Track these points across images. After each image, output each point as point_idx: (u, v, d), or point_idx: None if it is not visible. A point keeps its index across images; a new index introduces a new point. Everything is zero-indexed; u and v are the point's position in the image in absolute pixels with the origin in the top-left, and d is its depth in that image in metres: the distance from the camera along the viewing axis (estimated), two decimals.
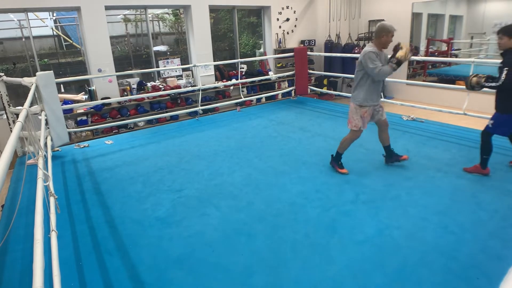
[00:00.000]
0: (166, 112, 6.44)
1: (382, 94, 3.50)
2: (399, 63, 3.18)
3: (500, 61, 3.17)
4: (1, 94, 4.21)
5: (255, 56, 8.88)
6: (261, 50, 8.64)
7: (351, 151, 4.17)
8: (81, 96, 6.08)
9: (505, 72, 3.00)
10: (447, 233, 2.47)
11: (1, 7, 5.24)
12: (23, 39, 6.60)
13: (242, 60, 7.19)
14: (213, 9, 7.76)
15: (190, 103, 7.04)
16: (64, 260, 2.30)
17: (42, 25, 7.63)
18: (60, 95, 5.02)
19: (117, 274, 2.23)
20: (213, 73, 7.46)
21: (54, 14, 7.81)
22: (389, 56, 3.32)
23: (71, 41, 8.17)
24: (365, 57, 3.20)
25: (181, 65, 7.22)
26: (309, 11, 8.73)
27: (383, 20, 8.54)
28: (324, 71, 8.66)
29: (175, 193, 3.31)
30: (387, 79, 6.17)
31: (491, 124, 3.20)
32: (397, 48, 3.26)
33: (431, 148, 4.00)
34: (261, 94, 7.58)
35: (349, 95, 6.96)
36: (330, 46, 8.60)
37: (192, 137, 5.12)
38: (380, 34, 3.26)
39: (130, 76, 6.87)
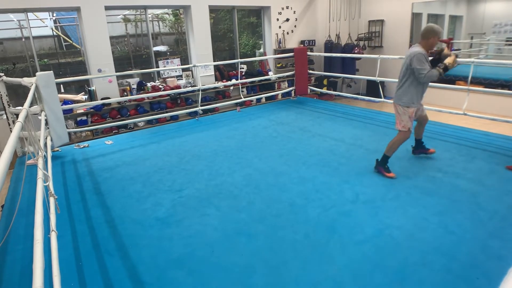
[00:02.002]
0: (166, 112, 6.44)
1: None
2: (446, 69, 3.16)
3: None
4: (1, 94, 4.21)
5: (255, 56, 8.87)
6: (261, 50, 8.64)
7: (352, 151, 4.17)
8: (81, 96, 6.08)
9: None
10: (447, 233, 2.47)
11: (1, 7, 5.25)
12: (23, 39, 6.59)
13: (242, 60, 7.19)
14: (213, 9, 7.76)
15: (190, 103, 7.04)
16: (64, 260, 2.30)
17: (42, 25, 7.62)
18: (60, 95, 5.02)
19: (117, 274, 2.22)
20: (213, 73, 7.46)
21: (54, 14, 7.81)
22: (430, 58, 3.29)
23: (71, 41, 8.17)
24: (414, 58, 3.15)
25: (181, 65, 7.22)
26: (309, 11, 8.73)
27: (383, 20, 8.58)
28: (324, 71, 8.66)
29: (175, 193, 3.31)
30: (387, 79, 6.19)
31: None
32: (440, 52, 3.29)
33: (431, 148, 4.00)
34: (261, 94, 7.58)
35: (349, 95, 7.04)
36: (330, 46, 8.60)
37: (192, 137, 5.12)
38: (428, 35, 3.19)
39: (130, 76, 6.87)
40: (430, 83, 3.40)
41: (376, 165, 3.55)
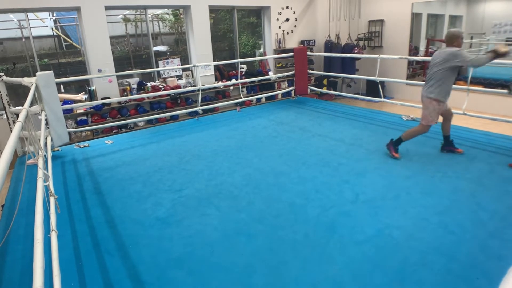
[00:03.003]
0: (166, 112, 6.44)
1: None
2: (495, 52, 3.32)
3: None
4: (1, 94, 4.21)
5: (255, 56, 8.88)
6: (261, 50, 8.65)
7: (352, 151, 4.17)
8: (81, 96, 6.08)
9: None
10: (447, 233, 2.47)
11: (1, 7, 5.24)
12: (23, 39, 6.60)
13: (242, 60, 7.19)
14: (213, 9, 7.76)
15: (190, 103, 7.04)
16: (64, 260, 2.30)
17: (42, 25, 7.62)
18: (60, 95, 5.02)
19: (117, 274, 2.22)
20: (213, 73, 7.47)
21: (54, 14, 7.81)
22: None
23: (71, 41, 8.17)
24: (456, 54, 3.42)
25: (181, 65, 7.22)
26: (309, 11, 8.73)
27: (383, 20, 8.58)
28: (324, 71, 8.66)
29: (175, 193, 3.32)
30: (387, 79, 6.20)
31: None
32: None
33: (431, 148, 4.00)
34: (261, 94, 7.58)
35: (349, 95, 7.05)
36: (330, 46, 8.60)
37: (192, 137, 5.12)
38: (452, 40, 3.52)
39: (130, 76, 6.87)
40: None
41: (389, 143, 3.90)
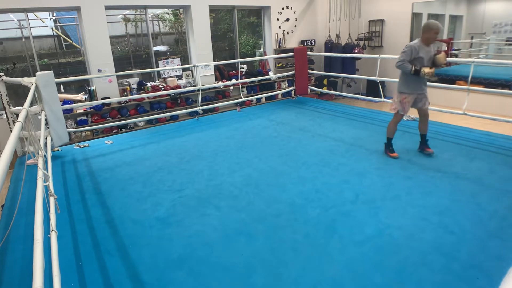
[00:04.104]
0: (166, 112, 6.44)
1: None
2: (417, 72, 3.56)
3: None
4: (1, 94, 4.21)
5: (255, 56, 8.87)
6: (261, 50, 8.64)
7: (352, 151, 4.17)
8: (81, 96, 6.07)
9: None
10: (447, 233, 2.47)
11: (1, 7, 5.24)
12: (23, 39, 6.60)
13: (242, 60, 7.19)
14: (213, 9, 7.76)
15: (190, 103, 7.04)
16: (64, 260, 2.30)
17: (42, 25, 7.63)
18: (60, 95, 5.02)
19: (117, 274, 2.22)
20: (213, 73, 7.46)
21: (54, 14, 7.81)
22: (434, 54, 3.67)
23: (71, 41, 8.17)
24: (403, 49, 3.65)
25: (181, 65, 7.22)
26: (309, 11, 8.73)
27: (383, 20, 8.58)
28: (324, 71, 8.66)
29: (175, 193, 3.31)
30: (387, 78, 6.19)
31: None
32: (436, 54, 3.66)
33: (431, 148, 3.99)
34: (261, 94, 7.58)
35: (349, 95, 7.05)
36: (330, 46, 8.60)
37: (192, 137, 5.12)
38: (424, 31, 3.59)
39: (130, 76, 6.87)
40: (429, 83, 3.46)
41: (384, 147, 4.02)
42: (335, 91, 8.74)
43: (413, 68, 3.57)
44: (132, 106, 6.49)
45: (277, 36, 8.30)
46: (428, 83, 3.84)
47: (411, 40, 8.14)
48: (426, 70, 3.55)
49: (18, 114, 2.49)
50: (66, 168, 4.13)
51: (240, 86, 7.21)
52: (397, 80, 3.88)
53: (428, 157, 3.85)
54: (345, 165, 3.74)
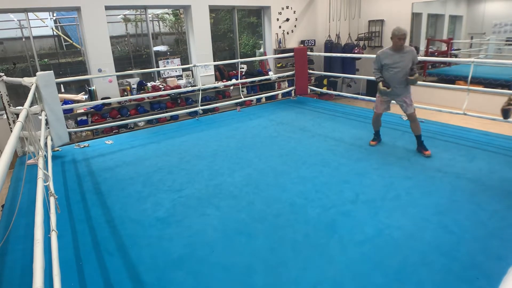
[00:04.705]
0: (166, 112, 6.44)
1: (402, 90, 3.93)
2: (378, 87, 3.91)
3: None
4: (1, 94, 4.21)
5: (255, 56, 8.88)
6: (261, 50, 8.64)
7: (352, 151, 4.18)
8: (81, 96, 6.08)
9: None
10: (447, 233, 2.47)
11: (1, 7, 5.24)
12: (23, 39, 6.60)
13: (242, 60, 7.19)
14: (213, 9, 7.76)
15: (190, 103, 7.04)
16: (64, 260, 2.30)
17: (42, 25, 7.62)
18: (60, 95, 5.02)
19: (117, 274, 2.23)
20: (213, 73, 7.46)
21: (54, 14, 7.81)
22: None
23: (71, 41, 8.17)
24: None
25: (181, 65, 7.22)
26: (309, 11, 8.73)
27: (383, 20, 8.58)
28: (324, 71, 8.66)
29: (175, 193, 3.32)
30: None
31: None
32: (410, 76, 3.79)
33: (431, 148, 4.00)
34: (261, 94, 7.58)
35: (349, 95, 7.03)
36: (330, 46, 8.60)
37: (192, 137, 5.12)
38: (391, 37, 3.80)
39: (130, 76, 6.87)
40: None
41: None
42: (335, 91, 8.74)
43: (379, 79, 3.92)
44: (132, 106, 6.49)
45: (277, 36, 8.30)
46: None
47: (411, 40, 8.16)
48: (381, 86, 3.86)
49: (19, 114, 2.49)
50: (66, 168, 4.13)
51: (240, 86, 7.21)
52: None
53: (428, 157, 3.85)
54: (345, 165, 3.74)
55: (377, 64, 3.92)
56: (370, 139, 4.41)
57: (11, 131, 2.49)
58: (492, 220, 2.60)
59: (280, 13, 8.21)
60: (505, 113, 2.73)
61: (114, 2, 6.17)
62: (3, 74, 4.22)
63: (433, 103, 6.40)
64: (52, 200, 2.41)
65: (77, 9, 5.88)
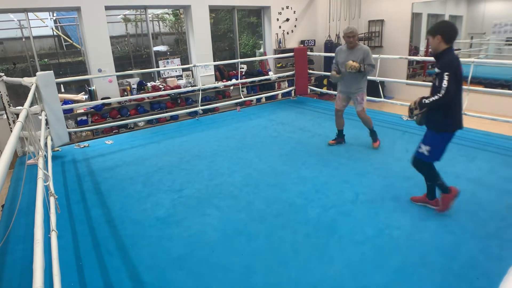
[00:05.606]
0: (166, 112, 6.44)
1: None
2: (331, 74, 4.11)
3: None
4: (1, 94, 4.21)
5: (255, 56, 8.87)
6: (261, 50, 8.64)
7: (352, 150, 4.17)
8: (81, 96, 6.07)
9: (446, 78, 2.36)
10: (447, 233, 2.47)
11: (1, 7, 5.24)
12: (23, 39, 6.60)
13: (242, 60, 7.19)
14: (213, 9, 7.76)
15: (190, 103, 7.04)
16: (64, 260, 2.30)
17: (42, 25, 7.63)
18: (60, 95, 5.02)
19: (117, 274, 2.23)
20: (213, 73, 7.46)
21: (54, 14, 7.82)
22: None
23: (71, 41, 8.18)
24: None
25: (181, 65, 7.22)
26: (309, 11, 8.73)
27: (383, 20, 8.58)
28: (324, 71, 8.65)
29: (175, 193, 3.32)
30: (387, 78, 6.20)
31: (428, 152, 2.66)
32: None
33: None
34: (261, 94, 7.58)
35: None
36: (330, 46, 8.59)
37: (192, 137, 5.12)
38: (342, 35, 3.99)
39: (130, 76, 6.87)
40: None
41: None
42: (335, 91, 8.72)
43: (335, 70, 4.07)
44: (132, 106, 6.49)
45: (277, 36, 8.30)
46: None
47: (411, 40, 8.17)
48: (333, 73, 4.05)
49: (19, 114, 2.49)
50: (66, 168, 4.14)
51: (240, 86, 7.21)
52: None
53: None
54: (345, 165, 3.74)
55: (335, 59, 4.15)
56: (370, 139, 4.40)
57: (11, 131, 2.49)
58: (492, 220, 2.60)
59: (280, 13, 8.21)
60: (410, 112, 2.65)
61: (114, 2, 6.17)
62: (3, 74, 4.22)
63: None
64: (52, 200, 2.41)
65: (77, 9, 5.87)
